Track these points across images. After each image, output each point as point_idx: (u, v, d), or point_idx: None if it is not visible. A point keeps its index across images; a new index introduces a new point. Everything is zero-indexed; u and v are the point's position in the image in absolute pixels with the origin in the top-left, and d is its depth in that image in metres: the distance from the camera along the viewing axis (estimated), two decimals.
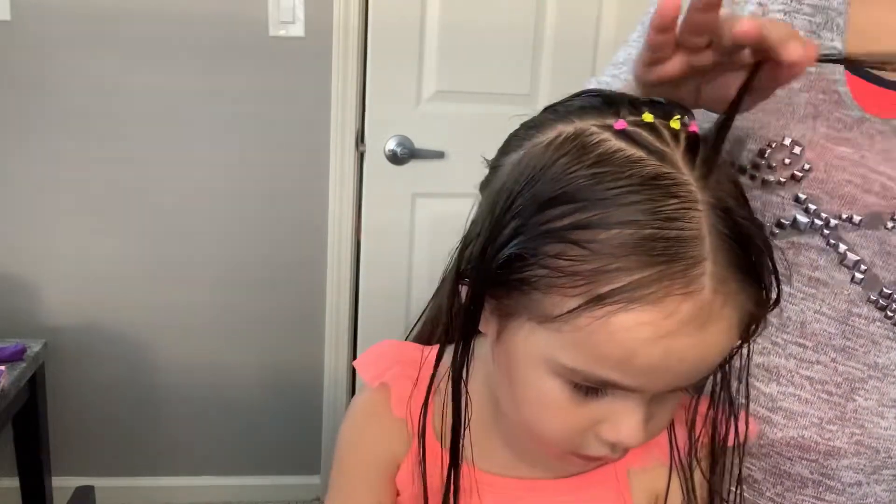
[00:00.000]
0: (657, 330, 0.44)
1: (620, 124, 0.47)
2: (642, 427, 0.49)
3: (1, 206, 2.04)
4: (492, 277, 0.49)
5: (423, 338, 0.65)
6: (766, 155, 0.68)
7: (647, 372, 0.45)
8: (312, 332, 2.22)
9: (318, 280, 2.19)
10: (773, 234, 0.69)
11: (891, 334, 0.67)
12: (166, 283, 2.14)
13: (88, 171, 2.04)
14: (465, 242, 0.53)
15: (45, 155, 2.02)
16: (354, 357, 2.01)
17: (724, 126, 0.50)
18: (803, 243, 0.68)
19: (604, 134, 0.48)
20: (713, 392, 0.57)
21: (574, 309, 0.44)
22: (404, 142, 2.03)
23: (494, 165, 0.54)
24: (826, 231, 0.67)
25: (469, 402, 0.55)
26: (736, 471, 0.61)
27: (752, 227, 0.47)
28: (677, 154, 0.47)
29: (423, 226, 2.11)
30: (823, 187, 0.66)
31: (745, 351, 0.55)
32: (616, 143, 0.47)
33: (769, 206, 0.69)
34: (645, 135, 0.47)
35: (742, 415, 0.58)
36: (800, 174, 0.67)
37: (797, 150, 0.66)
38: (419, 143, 2.04)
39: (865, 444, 0.67)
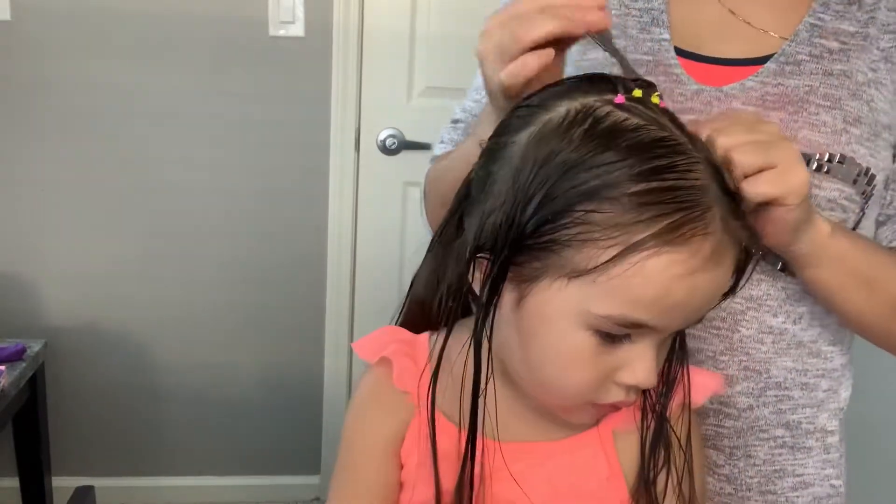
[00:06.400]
0: (687, 267, 0.50)
1: (620, 99, 0.54)
2: (655, 368, 0.55)
3: (1, 206, 2.04)
4: (520, 244, 0.53)
5: (412, 320, 0.68)
6: None
7: (674, 308, 0.52)
8: (312, 331, 2.23)
9: (318, 280, 2.19)
10: None
11: (758, 268, 0.72)
12: (166, 284, 2.14)
13: (88, 171, 2.05)
14: (483, 217, 0.55)
15: (45, 155, 2.02)
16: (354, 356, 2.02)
17: None
18: None
19: (608, 107, 0.54)
20: (671, 349, 0.62)
21: (611, 259, 0.50)
22: (396, 134, 2.11)
23: (503, 143, 0.57)
24: None
25: (491, 368, 0.58)
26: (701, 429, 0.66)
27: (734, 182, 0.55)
28: (666, 121, 0.54)
29: (414, 213, 2.20)
30: None
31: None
32: (621, 114, 0.53)
33: None
34: (640, 107, 0.54)
35: (693, 370, 0.64)
36: None
37: None
38: (409, 136, 2.11)
39: (751, 367, 0.74)
